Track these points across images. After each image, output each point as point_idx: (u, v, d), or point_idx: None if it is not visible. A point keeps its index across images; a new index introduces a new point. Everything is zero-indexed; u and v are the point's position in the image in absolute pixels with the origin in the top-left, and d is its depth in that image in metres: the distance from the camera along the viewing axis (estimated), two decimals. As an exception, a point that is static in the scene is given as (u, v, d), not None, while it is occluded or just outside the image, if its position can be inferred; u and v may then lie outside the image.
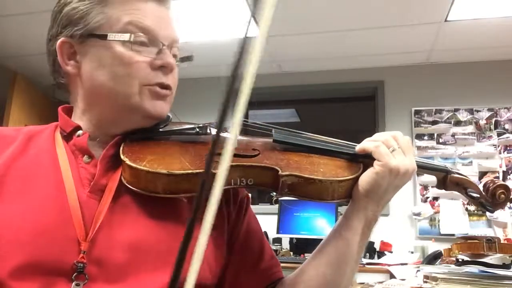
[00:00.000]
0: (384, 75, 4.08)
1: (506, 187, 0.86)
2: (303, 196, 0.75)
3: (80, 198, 0.71)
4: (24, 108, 4.01)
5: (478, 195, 0.86)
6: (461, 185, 0.86)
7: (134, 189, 0.71)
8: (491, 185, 0.86)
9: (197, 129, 0.80)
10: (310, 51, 3.86)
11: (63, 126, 0.80)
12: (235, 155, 0.75)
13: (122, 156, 0.73)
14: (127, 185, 0.72)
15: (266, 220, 3.61)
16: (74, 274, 0.65)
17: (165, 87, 0.78)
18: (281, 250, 3.50)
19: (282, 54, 3.91)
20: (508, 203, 0.87)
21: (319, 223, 3.48)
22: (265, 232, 3.67)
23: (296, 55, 3.94)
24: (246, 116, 4.58)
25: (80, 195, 0.71)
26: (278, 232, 3.57)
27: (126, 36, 0.75)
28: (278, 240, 3.60)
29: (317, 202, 0.80)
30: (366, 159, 0.77)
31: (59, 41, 0.78)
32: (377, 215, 0.78)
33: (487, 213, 3.59)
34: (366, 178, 0.75)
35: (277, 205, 3.65)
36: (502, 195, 0.85)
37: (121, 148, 0.75)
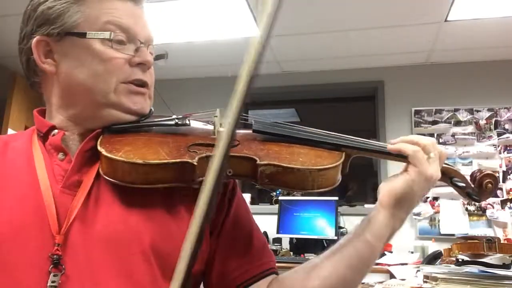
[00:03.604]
0: (384, 75, 4.08)
1: (493, 176, 0.84)
2: (283, 186, 0.75)
3: (54, 194, 0.72)
4: (24, 108, 4.00)
5: (464, 185, 0.84)
6: (446, 175, 0.84)
7: (111, 180, 0.72)
8: (478, 174, 0.85)
9: (176, 121, 0.81)
10: (310, 51, 3.86)
11: (39, 127, 0.81)
12: (213, 146, 0.75)
13: (99, 147, 0.73)
14: (104, 176, 0.73)
15: (266, 220, 3.60)
16: (51, 266, 0.67)
17: (142, 84, 0.80)
18: (281, 250, 3.50)
19: (282, 54, 3.91)
20: (505, 202, 0.85)
21: (319, 223, 3.48)
22: (265, 232, 3.66)
23: (296, 55, 3.94)
24: (246, 114, 4.56)
25: (55, 191, 0.73)
26: (278, 232, 3.57)
27: (106, 34, 0.76)
28: (278, 240, 3.60)
29: (299, 192, 0.80)
30: (391, 156, 0.77)
31: (35, 40, 0.79)
32: (403, 223, 0.77)
33: (487, 213, 3.59)
34: (400, 184, 0.74)
35: (277, 205, 3.65)
36: (489, 185, 0.83)
37: (99, 140, 0.75)
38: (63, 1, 0.78)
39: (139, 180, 0.71)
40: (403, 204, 0.74)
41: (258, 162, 0.72)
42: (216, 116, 0.81)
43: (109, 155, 0.71)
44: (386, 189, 0.76)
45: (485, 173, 0.84)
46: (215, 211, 0.81)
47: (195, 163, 0.70)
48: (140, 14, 0.82)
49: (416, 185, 0.73)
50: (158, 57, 0.86)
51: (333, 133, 0.82)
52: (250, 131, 0.82)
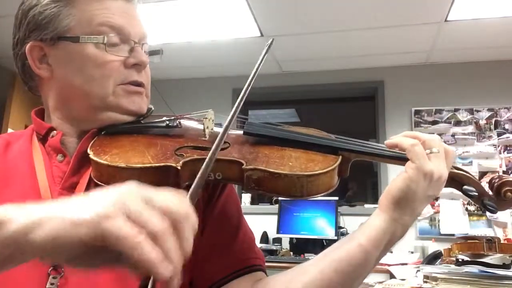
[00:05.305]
0: (384, 75, 4.08)
1: None
2: (271, 192, 0.70)
3: (53, 196, 0.72)
4: (24, 108, 4.00)
5: (477, 194, 0.73)
6: (457, 181, 0.74)
7: (101, 184, 0.71)
8: (496, 180, 0.74)
9: (167, 122, 0.80)
10: (310, 51, 3.86)
11: (37, 130, 0.82)
12: (201, 148, 0.73)
13: (88, 150, 0.73)
14: (94, 179, 0.72)
15: (266, 220, 3.61)
16: (50, 269, 0.67)
17: (138, 84, 0.80)
18: (281, 250, 3.50)
19: (282, 54, 3.91)
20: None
21: (319, 223, 3.48)
22: (265, 232, 3.67)
23: (296, 55, 3.94)
24: (246, 114, 4.56)
25: (53, 193, 0.73)
26: (278, 232, 3.57)
27: (99, 39, 0.76)
28: (278, 240, 3.60)
29: (289, 198, 0.75)
30: (393, 159, 0.71)
31: (28, 45, 0.78)
32: (407, 230, 0.70)
33: (487, 213, 3.59)
34: (397, 183, 0.68)
35: (277, 205, 3.65)
36: (509, 193, 0.71)
37: (91, 142, 0.75)
38: (53, 5, 0.76)
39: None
40: (403, 206, 0.68)
41: (244, 166, 0.68)
42: (206, 118, 0.77)
43: (95, 158, 0.70)
44: (385, 190, 0.70)
45: (504, 180, 0.73)
46: (202, 207, 0.79)
47: (179, 167, 0.67)
48: (132, 12, 0.81)
49: (415, 184, 0.66)
50: (152, 53, 0.86)
51: (334, 135, 0.78)
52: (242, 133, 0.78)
